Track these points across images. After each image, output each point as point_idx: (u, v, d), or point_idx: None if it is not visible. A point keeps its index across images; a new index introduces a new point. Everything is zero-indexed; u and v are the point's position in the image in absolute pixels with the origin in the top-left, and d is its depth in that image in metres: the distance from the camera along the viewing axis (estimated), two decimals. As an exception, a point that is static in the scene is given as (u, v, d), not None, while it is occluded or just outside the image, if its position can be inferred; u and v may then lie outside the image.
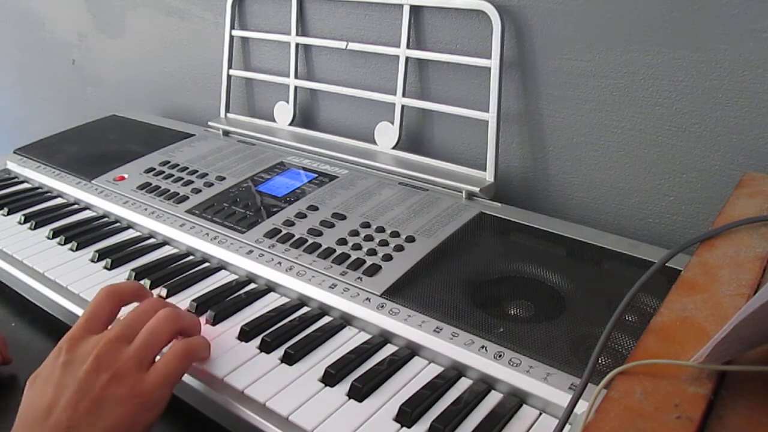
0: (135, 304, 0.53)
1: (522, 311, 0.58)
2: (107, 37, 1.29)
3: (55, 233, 0.75)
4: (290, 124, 0.96)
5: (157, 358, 0.49)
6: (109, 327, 0.50)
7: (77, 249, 0.72)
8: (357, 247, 0.66)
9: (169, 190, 0.81)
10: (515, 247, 0.67)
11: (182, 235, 0.72)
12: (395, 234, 0.68)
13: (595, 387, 0.36)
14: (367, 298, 0.59)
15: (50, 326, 0.65)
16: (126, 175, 0.86)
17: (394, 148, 0.85)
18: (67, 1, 1.33)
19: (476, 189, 0.75)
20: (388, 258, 0.64)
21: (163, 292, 0.63)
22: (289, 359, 0.53)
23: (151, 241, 0.74)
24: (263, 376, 0.52)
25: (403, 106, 0.84)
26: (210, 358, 0.54)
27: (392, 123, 0.85)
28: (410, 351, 0.54)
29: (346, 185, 0.79)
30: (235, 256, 0.67)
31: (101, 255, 0.70)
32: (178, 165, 0.88)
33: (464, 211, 0.72)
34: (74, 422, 0.43)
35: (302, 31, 0.95)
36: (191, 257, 0.71)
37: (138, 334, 0.48)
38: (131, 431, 0.44)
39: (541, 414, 0.48)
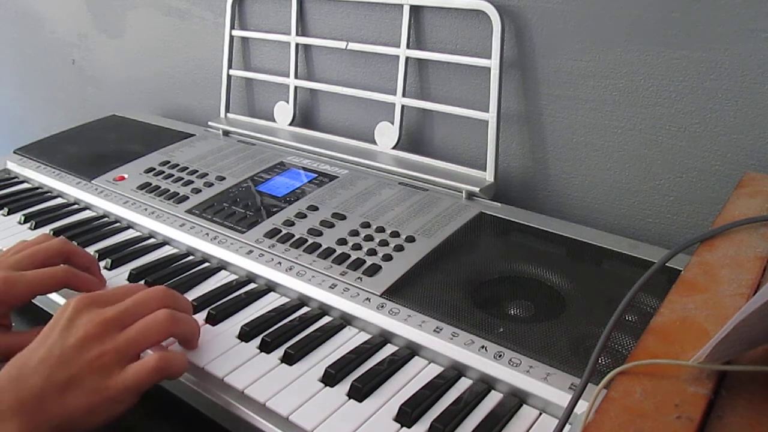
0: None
1: (522, 311, 0.58)
2: (107, 37, 1.29)
3: (55, 233, 0.75)
4: (290, 124, 0.96)
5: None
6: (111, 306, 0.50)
7: (77, 249, 0.72)
8: (357, 247, 0.66)
9: (169, 190, 0.81)
10: (515, 247, 0.67)
11: (182, 235, 0.72)
12: (395, 234, 0.68)
13: (595, 387, 0.36)
14: (367, 298, 0.59)
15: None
16: (126, 175, 0.86)
17: (394, 148, 0.85)
18: (67, 1, 1.33)
19: (476, 189, 0.75)
20: (388, 258, 0.64)
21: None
22: (289, 359, 0.53)
23: (151, 241, 0.74)
24: (263, 376, 0.52)
25: (403, 106, 0.84)
26: (211, 358, 0.54)
27: (392, 123, 0.85)
28: (410, 351, 0.54)
29: (346, 185, 0.79)
30: (235, 256, 0.67)
31: (101, 255, 0.70)
32: (178, 165, 0.88)
33: (464, 211, 0.72)
34: (46, 392, 0.44)
35: (302, 31, 0.95)
36: (191, 257, 0.71)
37: (131, 326, 0.49)
38: (92, 419, 0.45)
39: (541, 414, 0.48)
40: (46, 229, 0.76)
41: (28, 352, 0.46)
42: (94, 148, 0.98)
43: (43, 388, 0.44)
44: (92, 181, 0.86)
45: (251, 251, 0.68)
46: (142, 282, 0.65)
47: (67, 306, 0.49)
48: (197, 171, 0.86)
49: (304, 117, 1.00)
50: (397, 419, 0.47)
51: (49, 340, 0.47)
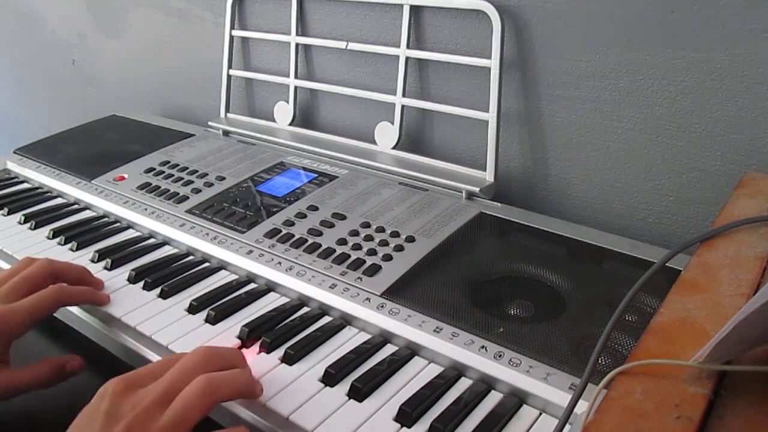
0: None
1: (522, 311, 0.58)
2: (107, 37, 1.29)
3: (55, 233, 0.75)
4: (290, 124, 0.96)
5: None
6: (153, 384, 0.45)
7: (77, 249, 0.72)
8: (357, 247, 0.66)
9: (169, 190, 0.81)
10: (515, 247, 0.67)
11: (182, 235, 0.72)
12: (395, 234, 0.68)
13: (595, 387, 0.36)
14: (367, 298, 0.59)
15: (50, 327, 0.65)
16: (126, 175, 0.86)
17: (394, 148, 0.85)
18: (67, 1, 1.33)
19: (476, 189, 0.75)
20: (388, 258, 0.64)
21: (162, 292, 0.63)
22: (289, 359, 0.53)
23: (151, 241, 0.74)
24: (263, 376, 0.52)
25: (403, 106, 0.84)
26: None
27: (392, 123, 0.85)
28: (410, 351, 0.54)
29: (346, 185, 0.79)
30: (235, 256, 0.67)
31: (101, 255, 0.70)
32: (178, 165, 0.88)
33: (464, 211, 0.72)
34: None
35: (302, 31, 0.95)
36: (191, 257, 0.71)
37: (171, 406, 0.43)
38: None
39: (541, 414, 0.48)
40: (46, 230, 0.76)
41: None
42: (94, 148, 0.98)
43: None
44: (92, 181, 0.86)
45: (251, 251, 0.68)
46: (142, 283, 0.65)
47: (105, 392, 0.44)
48: (197, 171, 0.86)
49: (304, 117, 1.00)
50: (397, 419, 0.47)
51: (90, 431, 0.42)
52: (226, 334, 0.57)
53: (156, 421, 0.42)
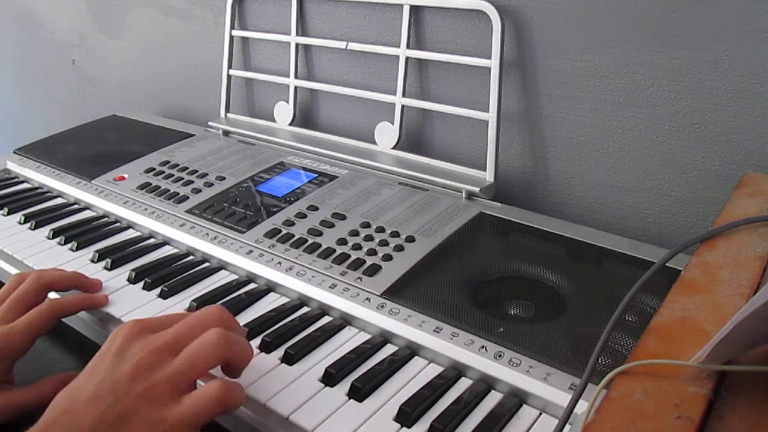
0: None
1: (522, 311, 0.58)
2: (107, 37, 1.29)
3: (55, 233, 0.75)
4: (290, 124, 0.96)
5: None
6: (162, 332, 0.47)
7: (77, 249, 0.72)
8: (357, 247, 0.66)
9: (169, 190, 0.81)
10: (515, 247, 0.67)
11: (182, 235, 0.72)
12: (395, 234, 0.68)
13: (595, 387, 0.36)
14: (367, 298, 0.59)
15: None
16: (126, 175, 0.86)
17: (394, 148, 0.85)
18: (67, 1, 1.33)
19: (476, 189, 0.75)
20: (388, 258, 0.64)
21: (163, 292, 0.63)
22: (289, 359, 0.53)
23: (151, 241, 0.74)
24: (263, 376, 0.52)
25: (403, 106, 0.84)
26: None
27: (392, 123, 0.85)
28: (410, 351, 0.54)
29: (346, 185, 0.79)
30: (235, 256, 0.67)
31: (101, 255, 0.70)
32: (178, 165, 0.88)
33: (464, 211, 0.72)
34: (98, 430, 0.41)
35: (302, 31, 0.95)
36: (191, 257, 0.71)
37: (183, 351, 0.45)
38: None
39: (541, 414, 0.48)
40: (46, 230, 0.76)
41: (78, 383, 0.43)
42: (94, 148, 0.98)
43: (95, 427, 0.41)
44: (92, 181, 0.86)
45: (251, 251, 0.68)
46: (142, 283, 0.65)
47: (117, 334, 0.46)
48: (197, 171, 0.86)
49: (304, 117, 1.00)
50: (397, 419, 0.47)
51: (99, 372, 0.43)
52: (226, 334, 0.57)
53: (164, 365, 0.44)
